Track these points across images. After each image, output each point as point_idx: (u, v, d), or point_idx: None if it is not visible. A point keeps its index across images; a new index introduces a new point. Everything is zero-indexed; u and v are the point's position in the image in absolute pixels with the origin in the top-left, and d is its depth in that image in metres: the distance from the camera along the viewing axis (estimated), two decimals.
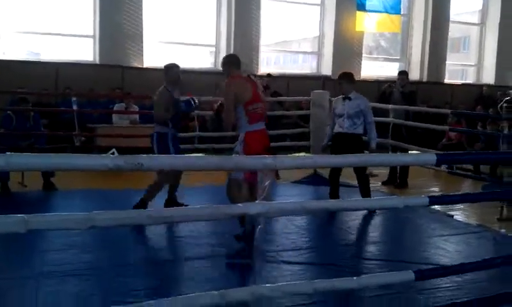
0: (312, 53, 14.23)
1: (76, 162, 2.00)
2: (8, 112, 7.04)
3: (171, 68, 5.88)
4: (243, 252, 4.33)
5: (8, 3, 10.65)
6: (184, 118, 8.89)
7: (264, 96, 5.09)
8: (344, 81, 6.18)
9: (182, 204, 5.68)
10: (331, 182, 6.31)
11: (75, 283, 3.84)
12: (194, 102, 5.80)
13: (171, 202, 5.83)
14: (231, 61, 4.84)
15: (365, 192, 6.07)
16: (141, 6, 11.40)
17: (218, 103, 4.93)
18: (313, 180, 7.81)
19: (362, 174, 6.11)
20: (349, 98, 6.06)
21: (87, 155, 2.08)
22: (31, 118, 7.02)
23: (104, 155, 2.03)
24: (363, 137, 6.28)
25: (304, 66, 14.90)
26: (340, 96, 6.21)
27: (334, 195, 6.13)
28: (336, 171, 6.19)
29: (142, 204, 5.41)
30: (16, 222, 1.99)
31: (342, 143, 6.06)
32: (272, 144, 8.38)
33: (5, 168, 1.82)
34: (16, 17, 10.75)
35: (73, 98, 7.78)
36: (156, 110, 5.77)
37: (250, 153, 4.33)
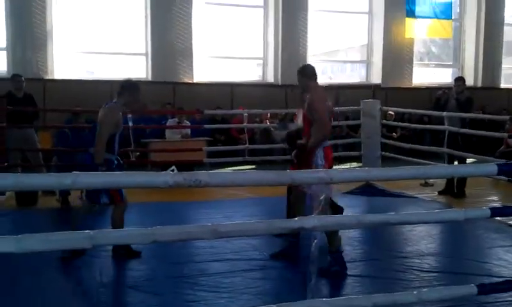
0: (360, 61, 14.09)
1: (138, 180, 2.08)
2: (65, 129, 7.34)
3: (136, 88, 4.97)
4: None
5: (64, 25, 11.15)
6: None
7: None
8: None
9: None
10: None
11: (133, 295, 3.94)
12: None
13: None
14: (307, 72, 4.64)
15: None
16: (190, 23, 11.68)
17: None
18: (365, 190, 7.68)
19: None
20: None
21: (148, 172, 2.16)
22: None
23: (164, 172, 2.10)
24: None
25: (352, 75, 14.77)
26: None
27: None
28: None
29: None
30: (83, 238, 2.08)
31: None
32: None
33: (72, 187, 1.91)
34: (72, 38, 11.24)
35: (129, 115, 8.01)
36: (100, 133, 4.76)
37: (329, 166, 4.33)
